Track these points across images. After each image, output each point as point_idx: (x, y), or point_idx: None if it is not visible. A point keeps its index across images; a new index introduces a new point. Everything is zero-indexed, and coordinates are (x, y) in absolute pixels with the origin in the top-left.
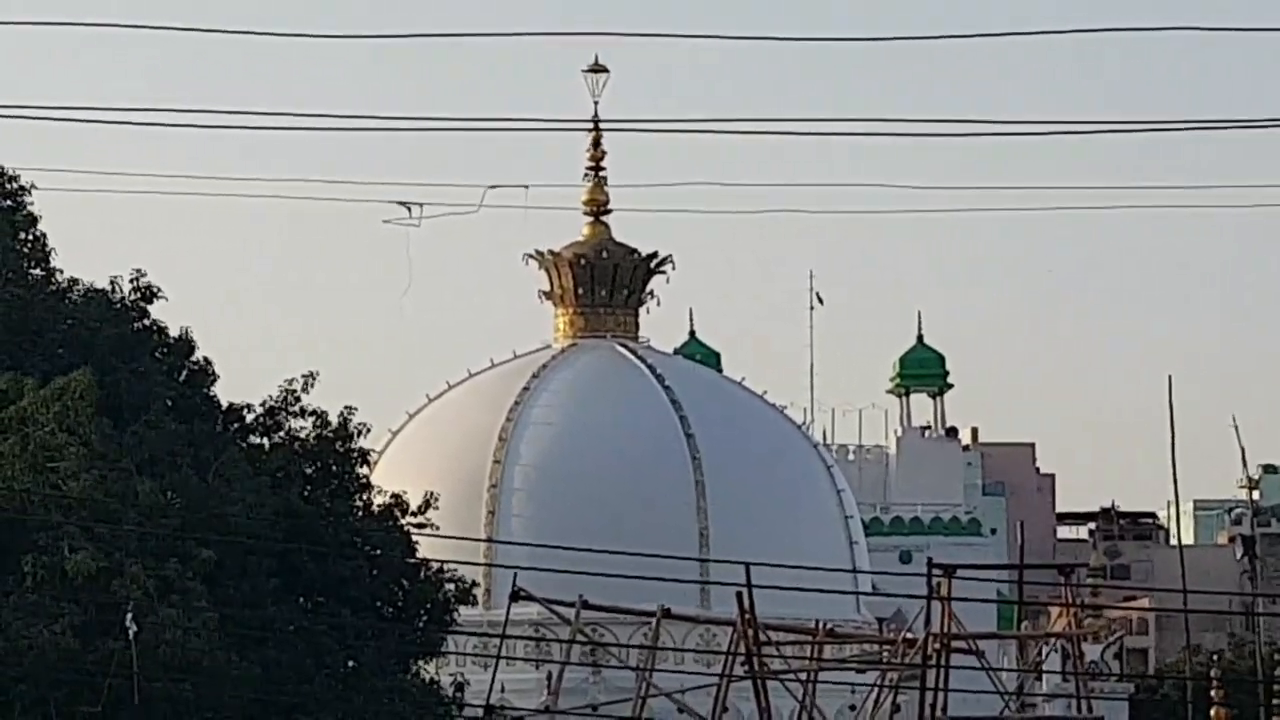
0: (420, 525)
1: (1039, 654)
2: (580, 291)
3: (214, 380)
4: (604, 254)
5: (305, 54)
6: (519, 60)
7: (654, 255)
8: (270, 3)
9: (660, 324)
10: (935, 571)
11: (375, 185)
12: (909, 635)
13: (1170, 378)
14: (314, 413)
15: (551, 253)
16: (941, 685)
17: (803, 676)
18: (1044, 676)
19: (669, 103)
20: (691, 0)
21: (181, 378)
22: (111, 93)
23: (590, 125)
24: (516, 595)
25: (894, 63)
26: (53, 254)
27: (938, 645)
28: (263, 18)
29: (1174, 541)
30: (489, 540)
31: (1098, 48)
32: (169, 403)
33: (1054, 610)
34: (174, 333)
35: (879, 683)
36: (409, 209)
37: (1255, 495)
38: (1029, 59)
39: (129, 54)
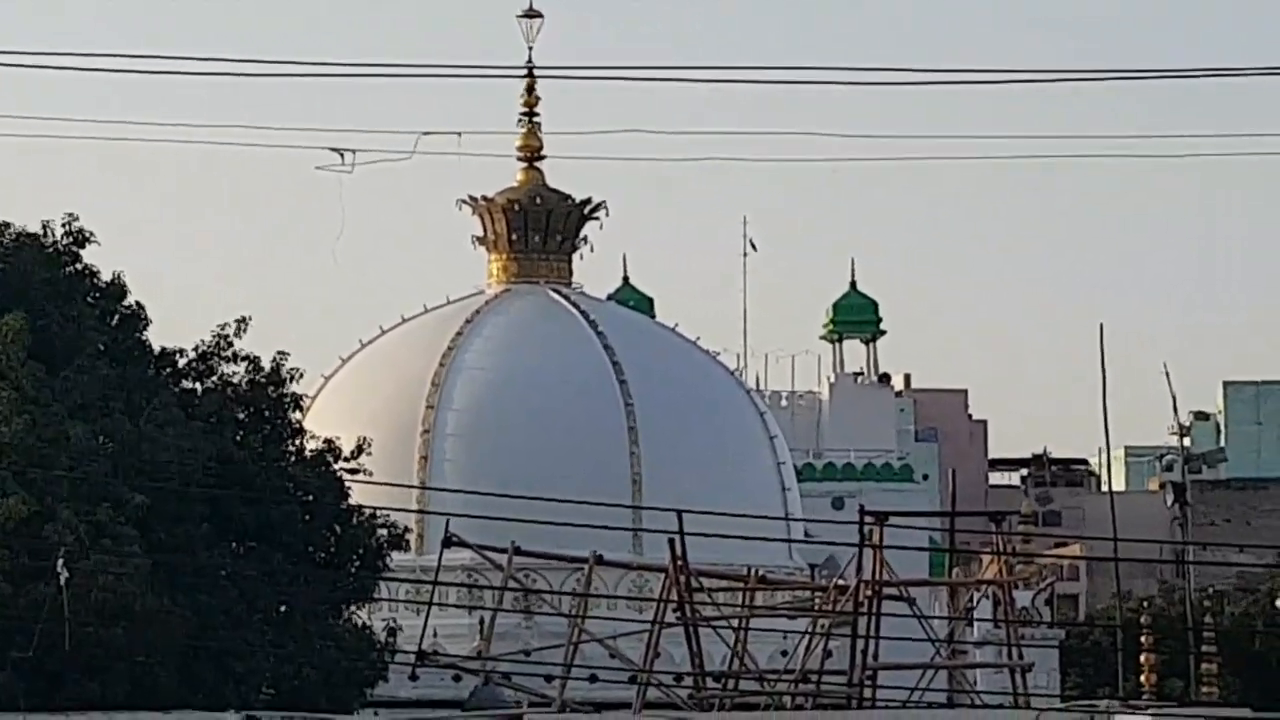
0: (353, 471)
1: (970, 600)
2: (513, 237)
3: (146, 325)
4: (537, 200)
5: None
6: (453, 5)
7: (587, 201)
8: None
9: (593, 270)
10: (867, 519)
11: (308, 131)
12: (841, 582)
13: (1101, 325)
14: (246, 358)
15: (485, 198)
16: (873, 632)
17: (735, 623)
18: (975, 623)
19: (603, 48)
20: None
21: (114, 322)
22: (42, 37)
23: (524, 72)
24: (449, 541)
25: (829, 8)
26: None
27: (869, 592)
28: None
29: (1105, 488)
30: (421, 487)
31: None
32: (101, 347)
33: (985, 557)
34: (106, 277)
35: (811, 629)
36: (341, 155)
37: (1186, 442)
38: (963, 6)
39: None
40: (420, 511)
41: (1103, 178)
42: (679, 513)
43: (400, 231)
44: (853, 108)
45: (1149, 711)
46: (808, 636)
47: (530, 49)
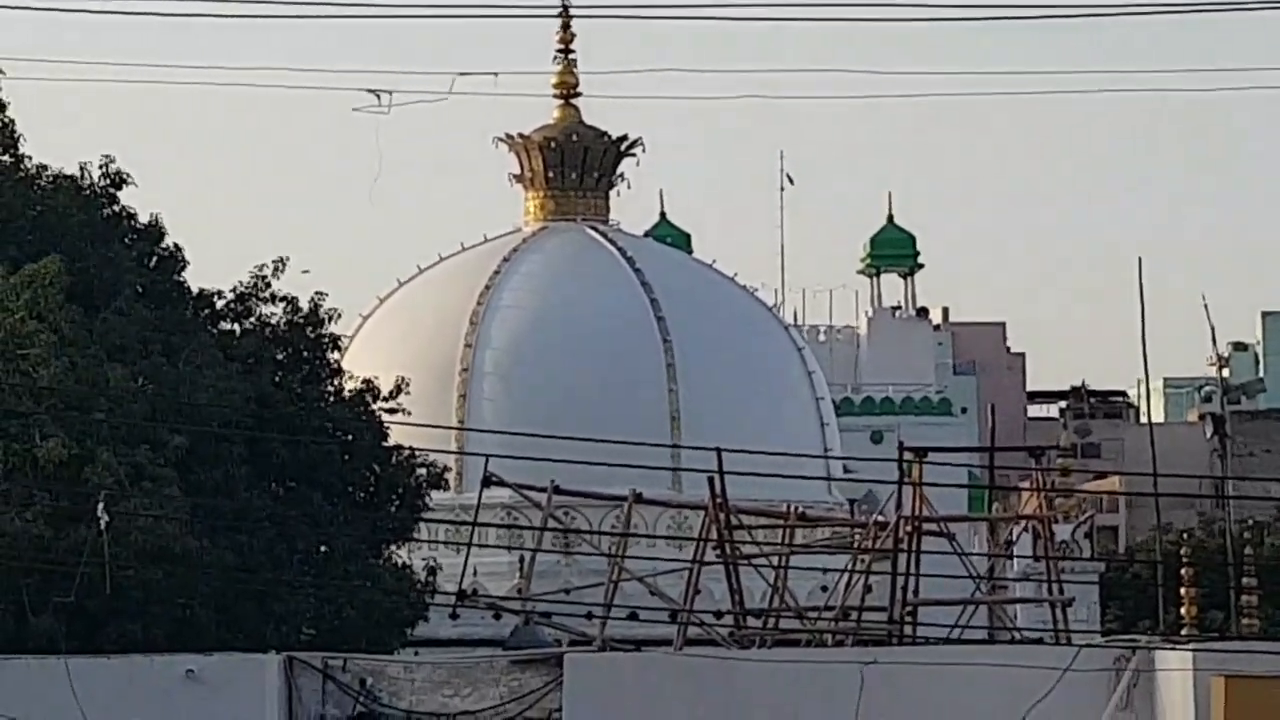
0: (392, 410)
1: (1010, 535)
2: (550, 174)
3: (184, 266)
4: (574, 137)
5: None
6: None
7: (624, 138)
8: None
9: (631, 206)
10: (906, 455)
11: (345, 73)
12: (880, 518)
13: (1140, 259)
14: (285, 298)
15: (521, 135)
16: (913, 569)
17: (774, 560)
18: (1014, 558)
19: None
20: None
21: (151, 264)
22: None
23: (559, 10)
24: (488, 481)
25: None
26: (21, 140)
27: (909, 528)
28: None
29: (1144, 419)
30: (460, 428)
31: None
32: (139, 289)
33: (1025, 492)
34: (144, 219)
35: (850, 567)
36: (378, 96)
37: (1225, 373)
38: None
39: None
40: (459, 453)
41: (1140, 110)
42: (718, 451)
43: (437, 171)
44: (888, 44)
45: (1190, 647)
46: (848, 573)
47: None
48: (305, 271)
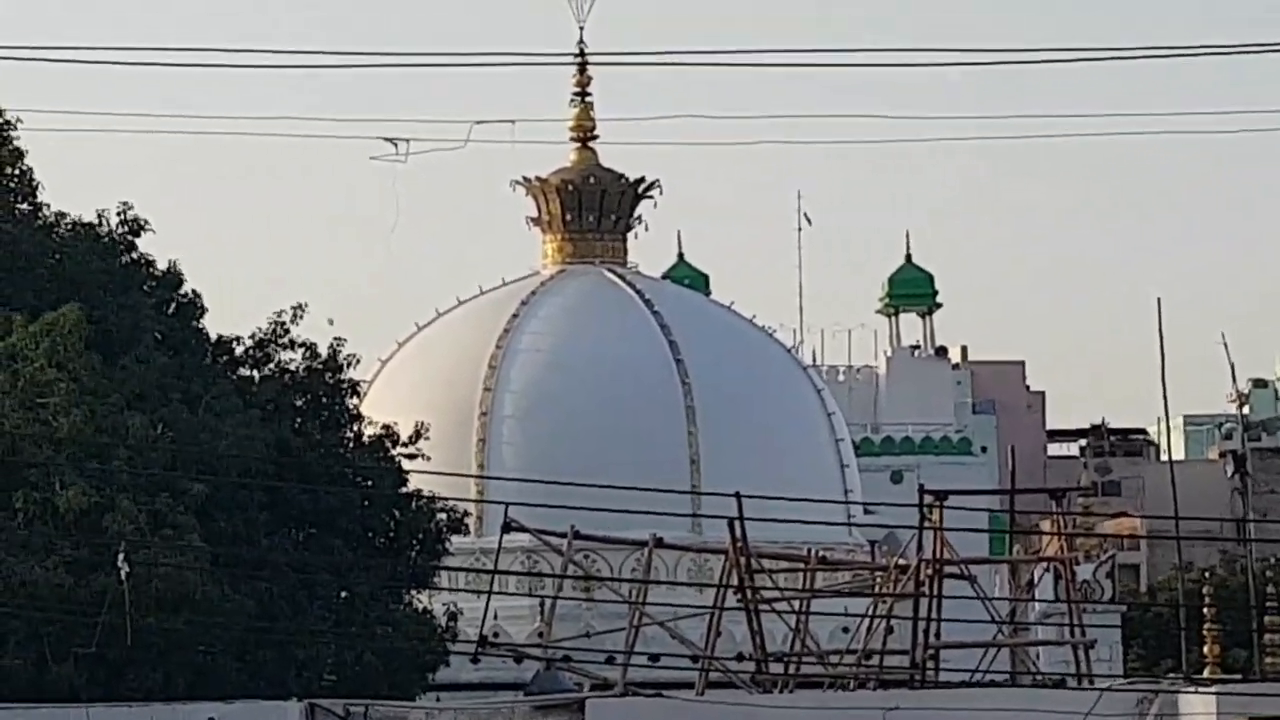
0: (411, 456)
1: (1032, 576)
2: (568, 217)
3: (203, 313)
4: (591, 179)
5: None
6: None
7: (641, 180)
8: None
9: (649, 248)
10: (926, 498)
11: (362, 121)
12: (901, 561)
13: (1159, 299)
14: (304, 344)
15: (539, 179)
16: (935, 612)
17: (795, 603)
18: (1036, 599)
19: (656, 24)
20: None
21: (170, 311)
22: (98, 27)
23: (575, 56)
24: (508, 526)
25: None
26: (40, 188)
27: (930, 571)
28: None
29: (1164, 457)
30: (480, 475)
31: None
32: (158, 336)
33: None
34: (162, 266)
35: (871, 610)
36: (395, 145)
37: (1245, 410)
38: None
39: None
40: (478, 501)
41: (1159, 148)
42: (738, 496)
43: (455, 215)
44: (905, 85)
45: (1213, 689)
46: (869, 616)
47: (581, 28)
48: (330, 321)
